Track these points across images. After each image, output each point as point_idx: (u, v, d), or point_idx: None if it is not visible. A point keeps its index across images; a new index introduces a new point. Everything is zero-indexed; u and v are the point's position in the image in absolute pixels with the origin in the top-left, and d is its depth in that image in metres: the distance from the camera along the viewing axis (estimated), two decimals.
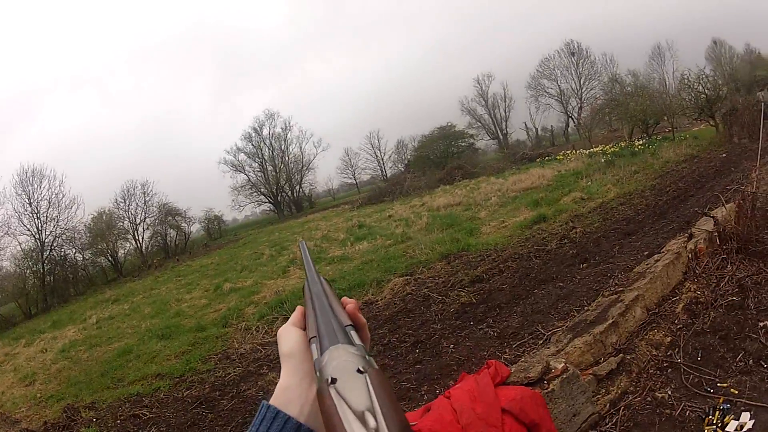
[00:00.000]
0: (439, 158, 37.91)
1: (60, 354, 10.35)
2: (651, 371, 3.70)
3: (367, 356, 0.51)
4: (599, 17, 59.04)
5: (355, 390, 0.44)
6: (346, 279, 8.96)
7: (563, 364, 3.36)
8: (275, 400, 0.63)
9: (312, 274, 0.79)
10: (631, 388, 3.54)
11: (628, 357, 3.74)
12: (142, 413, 5.61)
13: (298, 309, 0.74)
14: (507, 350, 4.66)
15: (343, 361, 0.49)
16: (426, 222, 12.90)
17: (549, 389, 3.12)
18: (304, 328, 0.70)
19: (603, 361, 3.68)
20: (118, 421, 5.59)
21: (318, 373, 0.50)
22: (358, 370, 0.47)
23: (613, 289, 4.93)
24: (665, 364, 3.74)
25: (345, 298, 0.71)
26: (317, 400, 0.47)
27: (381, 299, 7.49)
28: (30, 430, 6.17)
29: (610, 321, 4.00)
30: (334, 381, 0.46)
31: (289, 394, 0.63)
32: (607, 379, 3.57)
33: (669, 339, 3.97)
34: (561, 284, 6.10)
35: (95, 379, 7.42)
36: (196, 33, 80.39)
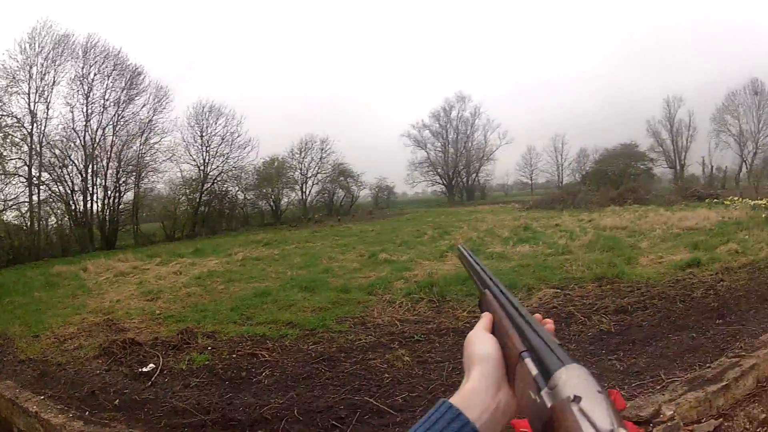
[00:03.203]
0: (616, 176, 36.50)
1: (194, 280, 10.37)
2: None
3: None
4: None
5: (599, 410, 0.45)
6: (500, 278, 9.08)
7: (672, 413, 3.80)
8: (457, 400, 0.62)
9: (496, 283, 0.82)
10: None
11: (726, 424, 4.02)
12: (261, 354, 5.60)
13: (487, 315, 0.76)
14: (626, 387, 5.04)
15: (584, 380, 0.49)
16: (589, 239, 12.53)
17: None
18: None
19: (704, 421, 4.02)
20: (234, 355, 5.61)
21: (548, 389, 0.51)
22: (598, 391, 0.47)
23: (736, 352, 5.07)
24: None
25: (538, 315, 0.72)
26: (554, 415, 0.48)
27: (527, 306, 7.62)
28: (135, 341, 6.01)
29: (723, 383, 4.25)
30: (578, 399, 0.46)
31: (473, 397, 0.63)
32: None
33: (764, 416, 4.15)
34: (694, 335, 6.19)
35: (223, 312, 7.41)
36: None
